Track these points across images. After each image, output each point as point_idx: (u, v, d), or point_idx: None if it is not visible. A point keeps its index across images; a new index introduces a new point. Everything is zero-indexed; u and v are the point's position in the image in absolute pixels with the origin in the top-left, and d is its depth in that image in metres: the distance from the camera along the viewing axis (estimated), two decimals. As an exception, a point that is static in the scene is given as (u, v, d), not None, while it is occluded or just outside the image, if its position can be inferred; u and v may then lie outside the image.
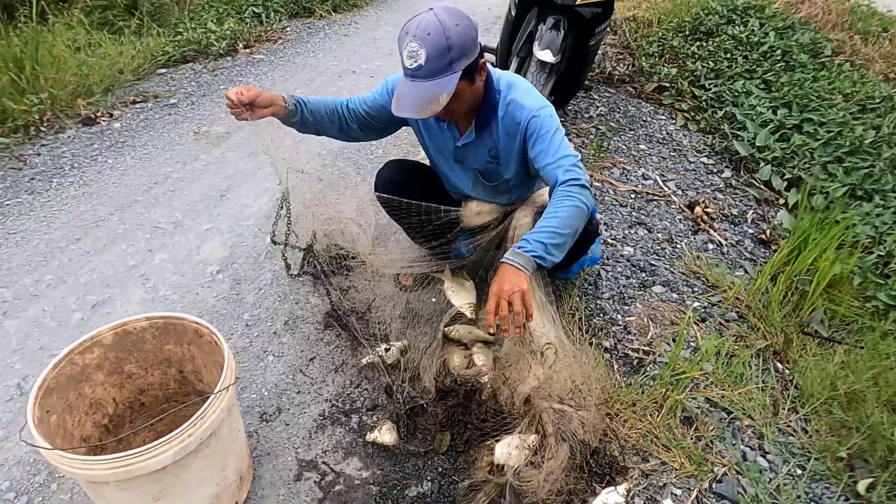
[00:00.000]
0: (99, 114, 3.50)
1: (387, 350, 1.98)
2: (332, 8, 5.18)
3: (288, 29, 4.83)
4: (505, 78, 1.82)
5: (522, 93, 1.77)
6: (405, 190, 2.05)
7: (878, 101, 4.22)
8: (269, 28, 4.59)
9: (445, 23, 1.55)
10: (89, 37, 4.09)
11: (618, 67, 4.52)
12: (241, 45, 4.38)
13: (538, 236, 1.54)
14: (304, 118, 1.88)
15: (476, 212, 2.09)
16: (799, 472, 1.73)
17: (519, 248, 1.53)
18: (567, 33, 2.68)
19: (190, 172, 3.07)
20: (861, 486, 1.67)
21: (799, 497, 1.65)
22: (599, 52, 3.58)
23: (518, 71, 2.95)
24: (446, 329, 1.98)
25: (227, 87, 2.49)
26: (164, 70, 4.15)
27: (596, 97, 4.05)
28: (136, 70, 3.94)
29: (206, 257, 2.49)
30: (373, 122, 1.97)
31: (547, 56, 2.54)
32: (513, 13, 2.95)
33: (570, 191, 1.59)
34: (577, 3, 2.71)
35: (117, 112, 3.58)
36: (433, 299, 2.27)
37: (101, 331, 1.52)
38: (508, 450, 1.63)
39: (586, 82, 3.38)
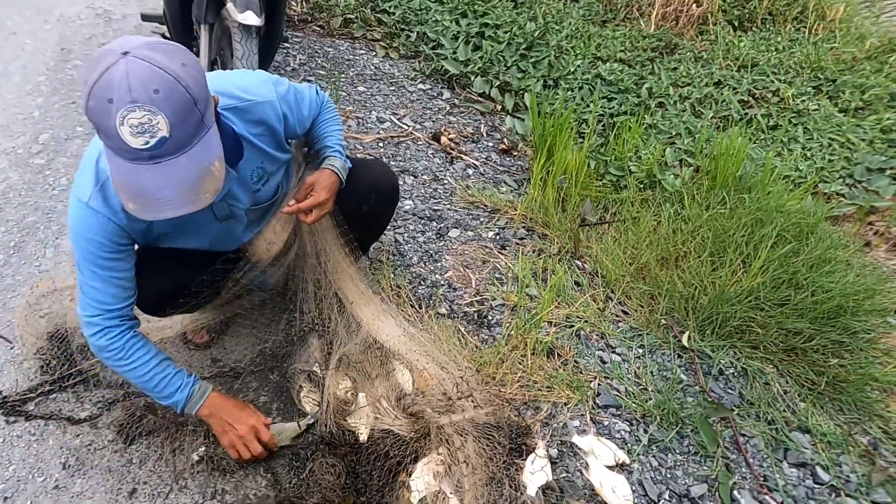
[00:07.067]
0: None
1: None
2: None
3: None
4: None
5: (241, 89, 1.38)
6: (185, 293, 1.54)
7: (521, -7, 4.74)
8: None
9: (171, 68, 1.03)
10: None
11: (293, 6, 4.12)
12: None
13: (340, 144, 1.66)
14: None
15: (267, 244, 1.68)
16: (641, 351, 1.97)
17: (340, 155, 1.63)
18: (255, -17, 2.23)
19: None
20: (684, 340, 1.98)
21: (652, 372, 1.89)
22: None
23: (210, 41, 2.41)
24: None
25: None
26: None
27: (288, 45, 3.64)
28: None
29: None
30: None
31: (251, 19, 2.09)
32: (173, -34, 2.33)
33: (334, 113, 1.69)
34: None
35: None
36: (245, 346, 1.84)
37: None
38: (425, 479, 1.48)
39: (284, 33, 2.97)
